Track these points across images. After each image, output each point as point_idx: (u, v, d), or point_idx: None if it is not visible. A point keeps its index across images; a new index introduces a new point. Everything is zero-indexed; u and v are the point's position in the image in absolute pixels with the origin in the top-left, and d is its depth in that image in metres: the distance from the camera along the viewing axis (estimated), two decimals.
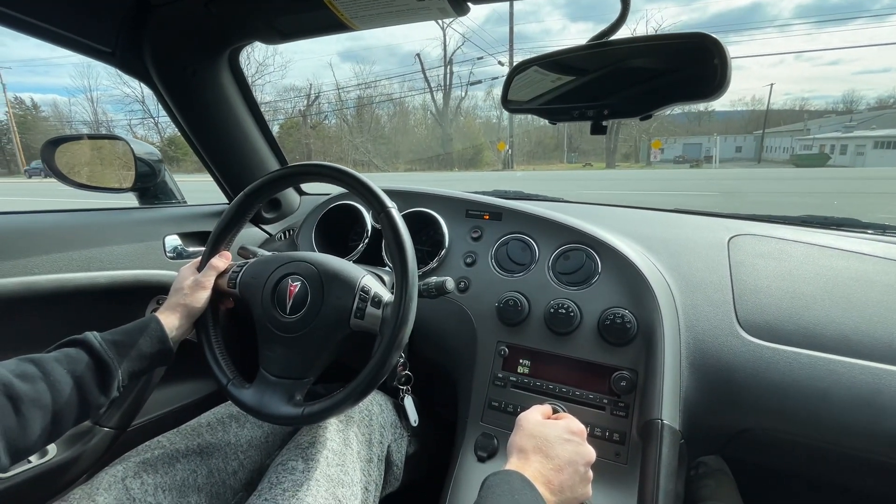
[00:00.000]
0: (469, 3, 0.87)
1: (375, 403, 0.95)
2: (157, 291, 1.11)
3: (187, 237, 1.20)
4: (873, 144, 30.94)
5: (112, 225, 1.12)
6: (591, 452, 0.68)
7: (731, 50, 0.68)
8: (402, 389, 1.01)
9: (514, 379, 0.96)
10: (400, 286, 0.74)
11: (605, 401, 0.88)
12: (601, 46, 0.78)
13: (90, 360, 0.65)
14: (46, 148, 1.22)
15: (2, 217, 0.99)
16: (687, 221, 1.13)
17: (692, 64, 0.72)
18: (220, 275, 0.87)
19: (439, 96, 39.45)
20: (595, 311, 0.93)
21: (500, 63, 32.01)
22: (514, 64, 0.90)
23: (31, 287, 0.91)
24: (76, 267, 0.99)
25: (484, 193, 1.29)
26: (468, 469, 0.90)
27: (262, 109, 1.28)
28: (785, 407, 0.80)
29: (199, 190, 1.53)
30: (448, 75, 38.78)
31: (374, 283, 0.81)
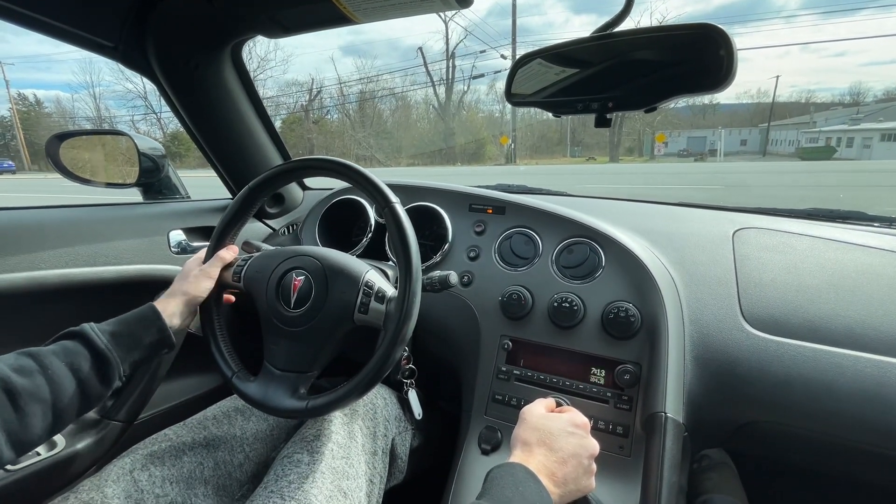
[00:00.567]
0: None
1: (380, 397, 0.96)
2: (162, 286, 1.12)
3: (192, 232, 1.21)
4: (880, 137, 30.64)
5: (117, 220, 1.13)
6: (594, 445, 0.68)
7: (736, 41, 0.67)
8: (406, 383, 1.02)
9: (518, 372, 0.96)
10: (404, 281, 0.74)
11: (609, 394, 0.88)
12: (605, 38, 0.77)
13: (88, 352, 0.65)
14: (51, 143, 1.22)
15: (8, 212, 1.00)
16: (691, 215, 1.13)
17: (697, 55, 0.71)
18: (225, 268, 0.88)
19: (442, 90, 39.27)
20: (599, 305, 0.93)
21: (502, 56, 31.72)
22: (518, 57, 0.89)
23: (39, 282, 0.92)
24: (82, 262, 1.00)
25: (487, 187, 1.29)
26: (472, 462, 0.90)
27: (264, 104, 1.28)
28: (789, 400, 0.80)
29: (201, 186, 1.53)
30: (450, 69, 38.53)
31: (377, 278, 0.81)
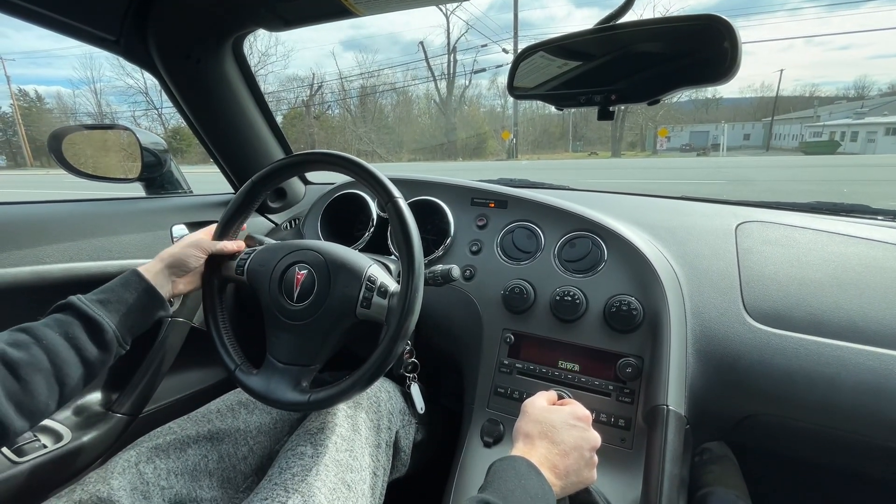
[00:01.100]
0: None
1: (384, 390, 0.96)
2: None
3: (194, 227, 1.21)
4: (885, 131, 30.38)
5: (120, 214, 1.13)
6: (596, 438, 0.69)
7: (741, 33, 0.67)
8: (409, 377, 1.02)
9: (520, 366, 0.96)
10: (406, 276, 0.75)
11: (611, 387, 0.88)
12: (608, 30, 0.77)
13: (79, 320, 0.66)
14: (53, 138, 1.23)
15: (13, 207, 1.00)
16: (694, 209, 1.13)
17: (701, 47, 0.71)
18: (228, 260, 0.88)
19: (443, 85, 39.07)
20: (601, 299, 0.93)
21: (504, 51, 31.31)
22: (520, 50, 0.89)
23: (42, 276, 0.93)
24: (85, 256, 1.01)
25: (489, 181, 1.29)
26: (474, 454, 0.91)
27: (265, 99, 1.28)
28: (791, 393, 0.81)
29: (203, 182, 1.53)
30: (451, 63, 38.29)
31: (380, 273, 0.82)
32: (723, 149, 33.36)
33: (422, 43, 39.30)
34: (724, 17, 0.67)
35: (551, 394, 0.79)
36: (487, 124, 39.72)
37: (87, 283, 0.99)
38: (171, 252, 0.82)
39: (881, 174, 12.61)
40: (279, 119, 1.34)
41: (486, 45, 37.04)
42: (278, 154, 1.33)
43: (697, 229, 1.03)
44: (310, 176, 1.54)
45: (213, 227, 0.90)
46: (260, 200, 0.92)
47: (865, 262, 0.89)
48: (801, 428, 0.82)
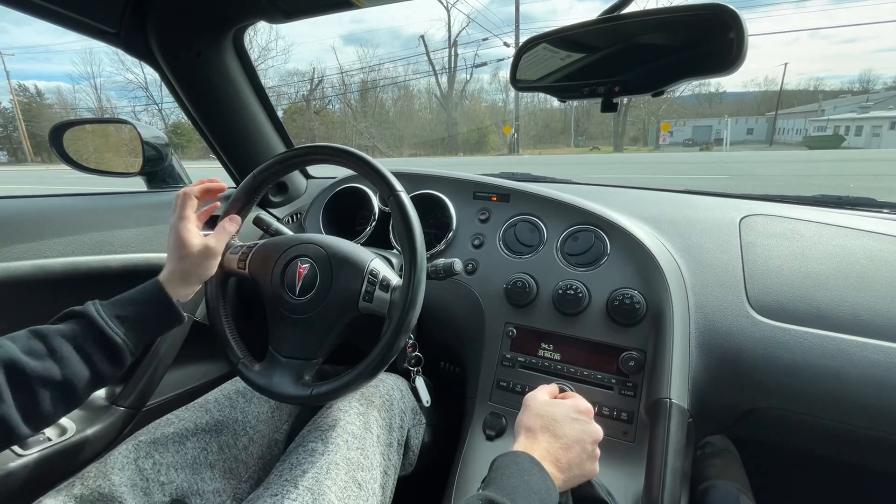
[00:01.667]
0: None
1: (396, 389, 0.96)
2: None
3: None
4: (890, 125, 30.11)
5: (121, 208, 1.13)
6: (598, 431, 0.69)
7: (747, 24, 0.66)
8: (413, 371, 1.03)
9: (522, 359, 0.97)
10: (408, 270, 0.75)
11: (614, 380, 0.89)
12: (611, 21, 0.76)
13: (94, 336, 0.65)
14: (54, 133, 1.23)
15: (14, 200, 1.01)
16: (697, 202, 1.12)
17: (707, 37, 0.70)
18: (231, 254, 0.87)
19: (444, 79, 38.85)
20: (604, 292, 0.93)
21: (505, 44, 31.02)
22: (523, 41, 0.88)
23: (45, 270, 0.93)
24: (88, 250, 1.01)
25: (491, 175, 1.28)
26: (477, 447, 0.91)
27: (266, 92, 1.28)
28: (795, 386, 0.81)
29: (203, 177, 1.52)
30: (452, 57, 38.00)
31: (382, 267, 0.82)
32: (726, 143, 33.19)
33: (422, 37, 39.14)
34: (730, 6, 0.66)
35: (552, 387, 0.79)
36: (489, 119, 39.51)
37: (89, 277, 1.00)
38: (193, 272, 0.78)
39: (888, 169, 12.45)
40: (279, 114, 1.33)
41: (486, 39, 36.80)
42: (279, 148, 1.33)
43: (701, 223, 1.03)
44: (311, 170, 1.54)
45: (197, 220, 0.85)
46: (262, 193, 0.92)
47: (870, 255, 0.89)
48: (805, 421, 0.82)
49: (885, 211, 1.03)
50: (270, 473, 0.76)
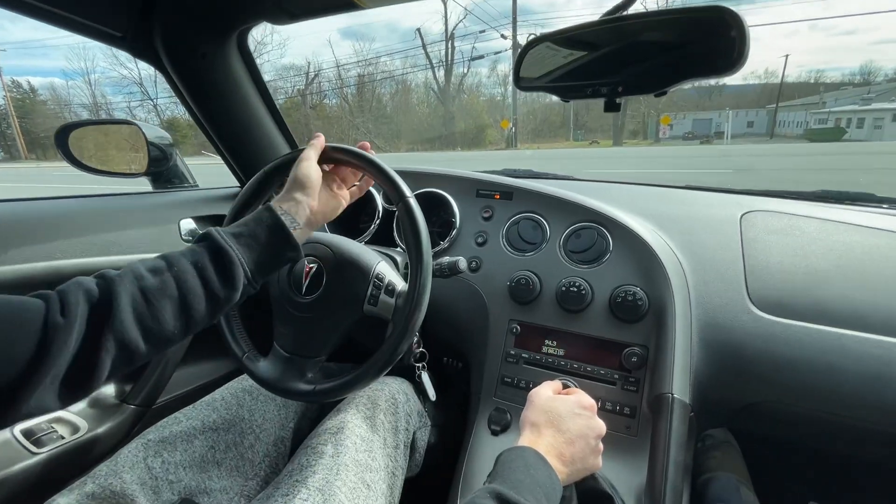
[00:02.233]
0: None
1: (401, 392, 0.98)
2: None
3: (202, 220, 1.23)
4: (892, 117, 29.80)
5: (128, 209, 1.15)
6: (601, 426, 0.71)
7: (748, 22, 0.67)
8: (418, 367, 1.04)
9: (527, 356, 0.98)
10: (414, 275, 0.76)
11: (616, 376, 0.90)
12: (614, 21, 0.77)
13: (209, 250, 0.63)
14: (60, 134, 1.24)
15: (27, 203, 1.03)
16: (699, 198, 1.14)
17: (709, 38, 0.71)
18: None
19: (441, 73, 38.48)
20: (606, 289, 0.95)
21: (502, 36, 30.73)
22: (527, 40, 0.89)
23: (58, 271, 0.95)
24: (97, 251, 1.02)
25: (494, 172, 1.30)
26: (482, 442, 0.93)
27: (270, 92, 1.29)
28: (795, 381, 0.82)
29: (198, 173, 1.52)
30: (450, 50, 37.55)
31: (388, 271, 0.83)
32: (727, 137, 33.08)
33: (419, 30, 38.40)
34: (731, 8, 0.67)
35: (556, 383, 0.81)
36: (487, 113, 39.18)
37: None
38: (289, 179, 0.74)
39: (891, 162, 12.30)
40: None
41: (484, 31, 36.34)
42: (283, 147, 1.34)
43: (702, 219, 1.04)
44: None
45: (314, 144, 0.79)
46: (269, 192, 0.94)
47: (870, 250, 0.90)
48: (805, 415, 0.84)
49: (884, 206, 1.05)
50: (280, 474, 0.78)
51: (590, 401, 0.73)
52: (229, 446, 0.85)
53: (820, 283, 0.88)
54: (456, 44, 37.55)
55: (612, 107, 0.86)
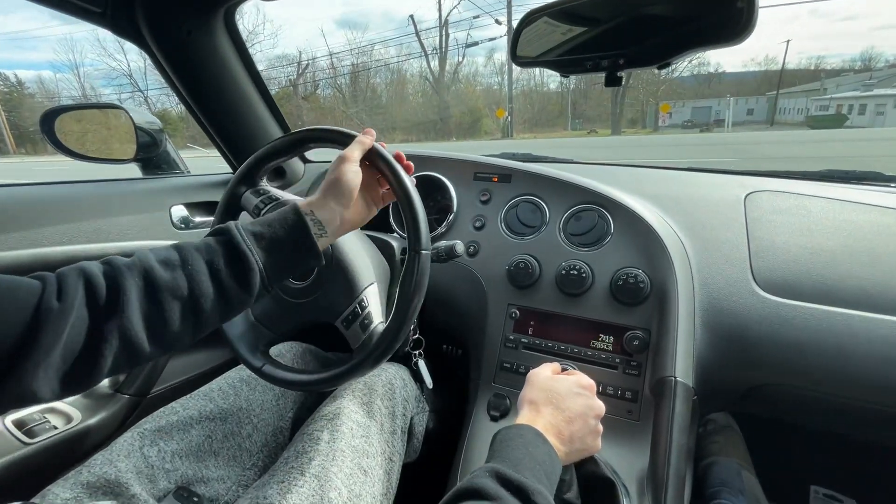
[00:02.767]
0: None
1: (398, 377, 0.97)
2: None
3: (194, 207, 1.21)
4: (895, 103, 30.02)
5: (118, 196, 1.13)
6: (600, 406, 0.70)
7: None
8: (415, 354, 1.03)
9: (526, 340, 0.97)
10: (398, 320, 0.74)
11: (618, 360, 0.89)
12: None
13: (227, 250, 0.59)
14: (45, 119, 1.21)
15: (12, 189, 1.00)
16: (702, 180, 1.12)
17: (714, 7, 0.69)
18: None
19: (435, 62, 37.96)
20: (607, 272, 0.93)
21: (497, 21, 30.10)
22: (523, 15, 0.86)
23: (44, 258, 0.93)
24: (85, 238, 1.01)
25: (492, 156, 1.28)
26: (481, 428, 0.92)
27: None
28: (800, 363, 0.81)
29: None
30: (443, 37, 36.95)
31: (374, 299, 0.82)
32: (728, 124, 32.87)
33: (412, 16, 38.11)
34: None
35: (555, 365, 0.79)
36: (482, 102, 38.70)
37: None
38: (346, 217, 0.69)
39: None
40: None
41: (478, 17, 35.70)
42: (275, 129, 1.32)
43: (705, 200, 1.02)
44: (309, 154, 1.53)
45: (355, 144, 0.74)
46: (262, 177, 0.92)
47: (878, 229, 0.89)
48: (809, 397, 0.83)
49: (892, 185, 1.03)
50: (277, 461, 0.77)
51: (589, 381, 0.73)
52: (227, 436, 0.84)
53: (826, 263, 0.86)
54: (450, 31, 37.09)
55: (613, 81, 0.83)
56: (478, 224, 1.10)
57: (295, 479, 0.69)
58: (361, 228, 0.96)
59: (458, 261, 1.01)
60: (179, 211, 1.17)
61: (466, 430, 0.93)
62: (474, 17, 36.15)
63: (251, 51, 1.20)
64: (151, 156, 1.27)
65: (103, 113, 1.34)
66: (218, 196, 1.20)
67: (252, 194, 0.84)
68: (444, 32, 37.03)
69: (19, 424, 0.94)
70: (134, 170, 1.31)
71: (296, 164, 1.47)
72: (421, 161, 1.22)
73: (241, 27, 1.12)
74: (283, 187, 1.43)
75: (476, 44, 36.06)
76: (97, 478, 0.69)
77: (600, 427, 0.69)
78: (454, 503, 0.50)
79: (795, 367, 0.82)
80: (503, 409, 0.93)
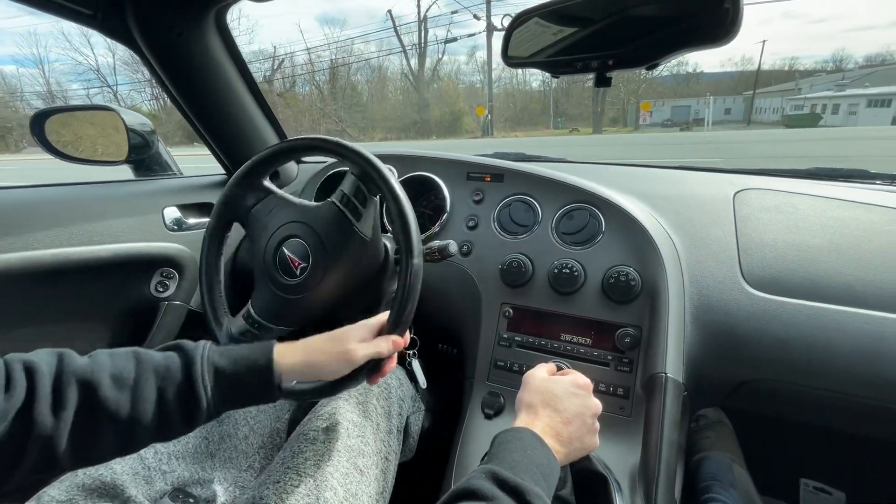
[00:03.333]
0: None
1: (394, 377, 0.95)
2: (159, 264, 1.09)
3: (187, 209, 1.17)
4: (867, 103, 29.84)
5: (110, 198, 1.09)
6: (597, 405, 0.69)
7: None
8: (409, 353, 1.01)
9: (519, 339, 0.95)
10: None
11: (610, 357, 0.87)
12: None
13: (182, 380, 0.55)
14: (35, 120, 1.17)
15: (1, 192, 0.97)
16: (691, 178, 1.10)
17: (702, 8, 0.67)
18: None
19: (416, 60, 36.66)
20: (599, 270, 0.91)
21: (475, 17, 28.51)
22: (514, 16, 0.84)
23: (34, 262, 0.90)
24: (76, 241, 0.97)
25: (485, 155, 1.26)
26: (476, 426, 0.90)
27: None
28: (789, 358, 0.80)
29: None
30: (422, 33, 35.51)
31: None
32: (707, 123, 32.85)
33: (390, 11, 35.35)
34: None
35: (550, 365, 0.78)
36: (463, 100, 37.67)
37: (79, 268, 0.96)
38: (316, 361, 0.65)
39: (871, 148, 11.70)
40: None
41: (456, 12, 34.58)
42: (269, 132, 1.28)
43: (695, 198, 1.01)
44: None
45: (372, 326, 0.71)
46: (259, 182, 0.89)
47: (863, 226, 0.87)
48: (798, 391, 0.82)
49: (877, 182, 1.02)
50: (272, 462, 0.75)
51: (585, 380, 0.71)
52: (223, 438, 0.83)
53: (813, 260, 0.85)
54: (430, 27, 35.84)
55: (602, 81, 0.82)
56: (471, 223, 1.07)
57: (290, 479, 0.68)
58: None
59: (451, 260, 0.98)
60: (172, 213, 1.13)
61: (461, 428, 0.91)
62: (452, 13, 35.11)
63: None
64: (143, 157, 1.23)
65: (94, 114, 1.30)
66: (211, 197, 1.17)
67: (251, 195, 0.84)
68: (422, 28, 35.70)
69: None
70: (126, 171, 1.26)
71: (290, 165, 1.43)
72: (414, 161, 1.19)
73: None
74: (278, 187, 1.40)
75: (455, 39, 34.80)
76: (93, 479, 0.67)
77: (597, 425, 0.68)
78: None
79: (783, 363, 0.81)
80: (497, 407, 0.91)
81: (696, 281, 0.88)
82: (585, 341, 0.90)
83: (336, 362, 0.65)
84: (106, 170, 1.25)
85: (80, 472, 0.68)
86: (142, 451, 0.72)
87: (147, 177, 1.26)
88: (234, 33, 1.08)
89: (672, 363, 0.80)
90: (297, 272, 0.80)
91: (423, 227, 1.09)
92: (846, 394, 0.79)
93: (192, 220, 1.17)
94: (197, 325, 0.87)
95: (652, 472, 0.72)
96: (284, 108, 33.76)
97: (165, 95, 1.13)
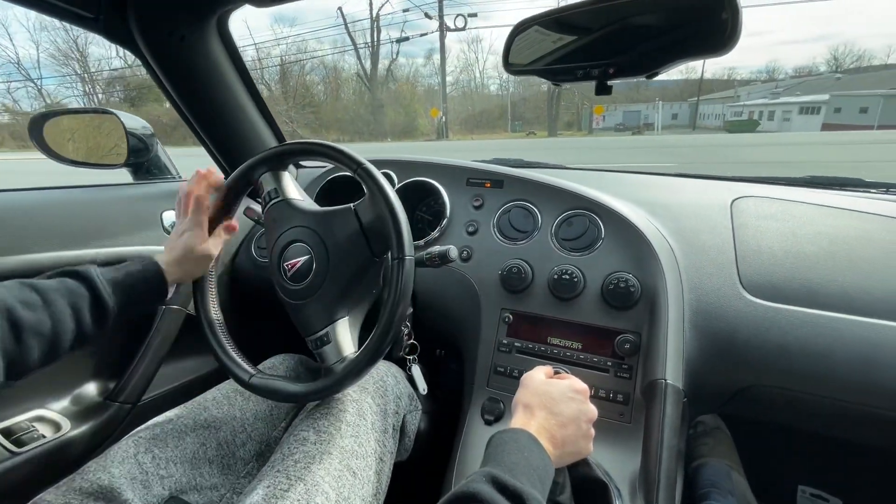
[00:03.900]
0: None
1: (390, 375, 0.86)
2: None
3: None
4: (798, 110, 29.97)
5: (108, 201, 0.98)
6: (593, 410, 0.62)
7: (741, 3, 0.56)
8: (409, 359, 0.91)
9: (519, 344, 0.86)
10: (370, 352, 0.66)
11: (609, 363, 0.79)
12: (605, 2, 0.66)
13: (90, 295, 0.60)
14: (34, 124, 1.03)
15: (1, 195, 0.86)
16: (689, 185, 1.02)
17: (701, 18, 0.61)
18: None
19: (368, 62, 33.49)
20: (599, 277, 0.82)
21: (427, 16, 24.75)
22: (516, 24, 0.75)
23: (32, 265, 0.79)
24: (75, 244, 0.86)
25: (484, 161, 1.17)
26: (476, 432, 0.82)
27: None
28: (786, 364, 0.73)
29: None
30: (375, 32, 32.36)
31: (343, 334, 0.72)
32: (657, 127, 32.73)
33: (340, 9, 32.03)
34: None
35: (548, 368, 0.70)
36: (419, 102, 35.20)
37: None
38: (190, 267, 0.73)
39: (806, 153, 11.27)
40: None
41: (408, 10, 31.97)
42: (268, 136, 1.16)
43: (693, 205, 0.92)
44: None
45: (219, 238, 0.76)
46: (252, 185, 0.79)
47: (859, 234, 0.80)
48: (796, 398, 0.75)
49: (872, 191, 0.95)
50: (265, 465, 0.67)
51: (582, 385, 0.64)
52: (220, 444, 0.74)
53: (810, 267, 0.77)
54: (382, 26, 32.68)
55: (603, 89, 0.73)
56: (471, 229, 0.97)
57: (280, 483, 0.60)
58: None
59: (451, 266, 0.89)
60: (171, 217, 1.02)
61: (461, 433, 0.82)
62: (404, 10, 32.56)
63: None
64: (142, 161, 1.10)
65: (93, 118, 1.16)
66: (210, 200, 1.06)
67: (270, 177, 0.77)
68: (375, 27, 32.57)
69: (6, 433, 0.80)
70: (125, 175, 1.14)
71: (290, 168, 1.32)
72: (414, 167, 1.08)
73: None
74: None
75: (407, 39, 31.05)
76: (90, 483, 0.60)
77: (592, 431, 0.61)
78: None
79: (781, 369, 0.73)
80: (497, 412, 0.82)
81: (695, 287, 0.80)
82: (585, 347, 0.82)
83: (200, 256, 0.72)
84: (105, 173, 1.12)
85: (78, 476, 0.60)
86: (140, 457, 0.65)
87: (146, 180, 1.14)
88: None
89: (671, 369, 0.72)
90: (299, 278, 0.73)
91: (422, 233, 1.00)
92: (843, 401, 0.72)
93: None
94: (194, 331, 0.78)
95: (652, 478, 0.65)
96: None
97: (165, 97, 1.01)
